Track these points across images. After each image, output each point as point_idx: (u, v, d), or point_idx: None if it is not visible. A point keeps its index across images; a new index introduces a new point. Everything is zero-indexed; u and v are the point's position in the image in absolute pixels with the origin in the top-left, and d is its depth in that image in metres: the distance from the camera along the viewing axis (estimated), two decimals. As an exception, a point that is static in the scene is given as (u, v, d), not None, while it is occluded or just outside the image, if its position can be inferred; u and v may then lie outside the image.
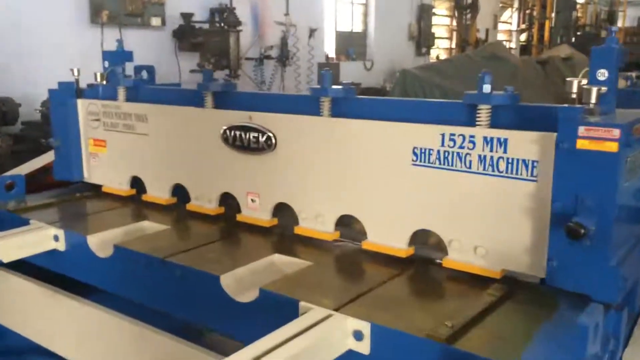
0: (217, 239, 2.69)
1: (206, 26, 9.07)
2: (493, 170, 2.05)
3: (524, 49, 19.44)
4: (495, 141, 2.04)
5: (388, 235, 2.36)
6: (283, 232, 2.74)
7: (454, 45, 16.96)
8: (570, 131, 1.82)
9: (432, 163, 2.20)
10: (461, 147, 2.12)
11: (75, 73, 3.45)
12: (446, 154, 2.15)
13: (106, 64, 3.58)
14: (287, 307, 1.99)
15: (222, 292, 2.19)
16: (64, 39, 7.48)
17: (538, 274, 2.01)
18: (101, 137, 3.41)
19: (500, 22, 19.91)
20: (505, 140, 2.02)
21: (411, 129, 2.25)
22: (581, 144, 1.80)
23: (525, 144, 1.97)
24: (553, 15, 19.63)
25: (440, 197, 2.20)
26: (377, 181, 2.36)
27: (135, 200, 3.27)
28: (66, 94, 3.44)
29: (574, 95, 1.89)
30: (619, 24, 21.79)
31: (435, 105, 2.34)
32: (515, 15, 20.67)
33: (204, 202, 2.98)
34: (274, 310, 2.04)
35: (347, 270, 2.36)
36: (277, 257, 2.46)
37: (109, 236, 2.74)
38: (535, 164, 1.96)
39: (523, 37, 20.51)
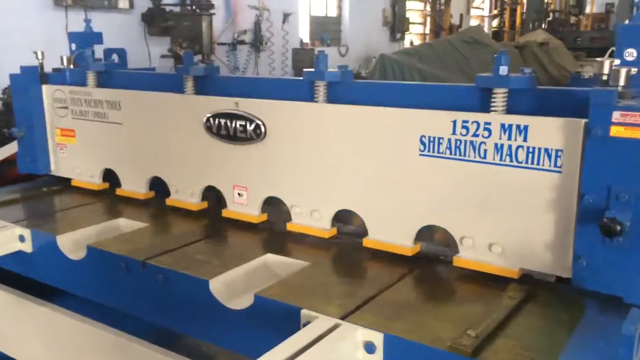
0: (202, 237, 2.46)
1: (177, 9, 8.71)
2: (511, 161, 1.87)
3: (496, 34, 19.40)
4: (514, 128, 1.85)
5: (392, 232, 2.16)
6: (273, 228, 2.53)
7: (427, 31, 16.83)
8: (603, 116, 1.65)
9: (442, 153, 2.00)
10: (475, 135, 1.92)
11: (39, 56, 3.15)
12: (458, 142, 1.96)
13: (73, 46, 3.29)
14: (287, 315, 1.78)
15: (211, 299, 1.97)
16: (26, 22, 7.06)
17: (562, 273, 1.84)
18: (69, 126, 3.13)
19: (472, 7, 19.83)
20: (526, 127, 1.83)
21: (418, 116, 2.04)
22: (616, 131, 1.63)
23: (549, 131, 1.79)
24: (524, 0, 19.63)
25: (450, 191, 2.01)
26: (380, 173, 2.15)
27: (109, 195, 3.01)
28: (29, 80, 3.14)
29: (605, 77, 1.71)
30: (587, 9, 21.92)
31: (444, 90, 2.14)
32: (487, 0, 20.62)
33: (186, 196, 2.74)
34: (272, 318, 1.83)
35: (349, 271, 2.16)
36: (271, 257, 2.25)
37: (81, 236, 2.49)
38: (559, 153, 1.78)
39: (495, 22, 20.49)
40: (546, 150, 1.80)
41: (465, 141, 1.94)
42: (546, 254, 1.85)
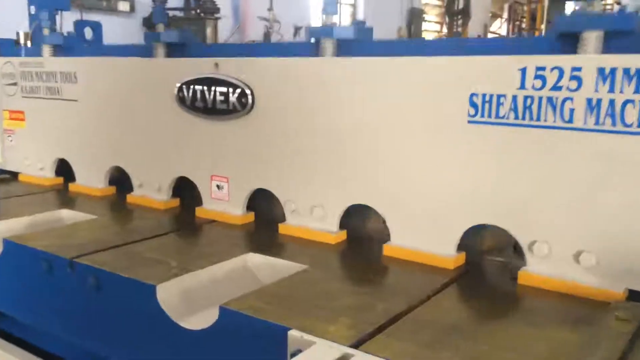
0: (165, 231, 1.84)
1: (180, 14, 8.24)
2: (614, 125, 1.24)
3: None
4: (619, 74, 1.22)
5: (426, 236, 1.53)
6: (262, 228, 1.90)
7: (443, 53, 16.39)
8: None
9: (502, 118, 1.37)
10: (556, 87, 1.29)
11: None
12: (529, 101, 1.33)
13: (32, 9, 2.72)
14: (267, 338, 1.16)
15: (159, 312, 1.35)
16: (18, 23, 6.57)
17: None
18: (19, 107, 2.55)
19: (489, 32, 19.38)
20: (638, 70, 1.20)
21: (468, 64, 1.42)
22: None
23: None
24: (542, 26, 19.13)
25: (514, 174, 1.37)
26: (411, 152, 1.52)
27: (61, 192, 2.40)
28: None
29: None
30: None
31: (504, 42, 1.52)
32: (505, 25, 20.16)
33: (152, 191, 2.13)
34: (244, 343, 1.22)
35: (364, 277, 1.51)
36: (253, 258, 1.61)
37: (4, 227, 1.89)
38: (695, 110, 1.16)
39: (512, 48, 20.03)
40: (674, 106, 1.18)
41: (541, 98, 1.31)
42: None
